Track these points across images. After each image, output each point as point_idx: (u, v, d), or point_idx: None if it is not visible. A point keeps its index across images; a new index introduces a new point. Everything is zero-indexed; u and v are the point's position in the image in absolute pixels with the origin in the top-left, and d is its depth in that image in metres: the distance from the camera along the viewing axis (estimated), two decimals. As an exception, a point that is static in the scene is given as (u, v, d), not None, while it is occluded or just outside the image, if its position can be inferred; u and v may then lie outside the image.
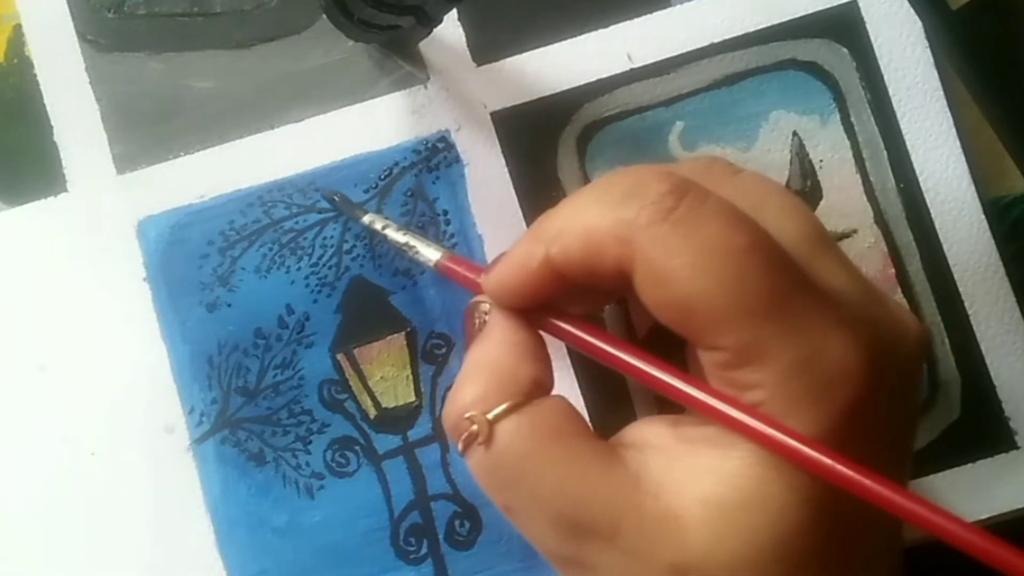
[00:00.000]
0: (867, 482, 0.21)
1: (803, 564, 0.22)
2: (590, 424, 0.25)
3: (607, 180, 0.24)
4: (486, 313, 0.26)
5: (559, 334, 0.25)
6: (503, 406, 0.24)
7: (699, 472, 0.23)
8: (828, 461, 0.21)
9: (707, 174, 0.25)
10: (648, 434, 0.25)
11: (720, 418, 0.22)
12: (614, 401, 0.32)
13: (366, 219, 0.30)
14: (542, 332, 0.26)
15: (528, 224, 0.32)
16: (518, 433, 0.24)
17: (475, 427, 0.24)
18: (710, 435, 0.23)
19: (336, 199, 0.32)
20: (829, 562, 0.22)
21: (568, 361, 0.31)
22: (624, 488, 0.23)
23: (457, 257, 0.28)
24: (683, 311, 0.22)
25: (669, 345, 0.26)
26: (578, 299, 0.26)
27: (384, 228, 0.30)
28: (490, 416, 0.24)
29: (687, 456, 0.23)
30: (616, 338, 0.25)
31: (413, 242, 0.29)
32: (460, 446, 0.25)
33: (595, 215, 0.23)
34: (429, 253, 0.28)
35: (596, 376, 0.32)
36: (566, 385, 0.31)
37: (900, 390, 0.24)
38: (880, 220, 0.33)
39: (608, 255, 0.23)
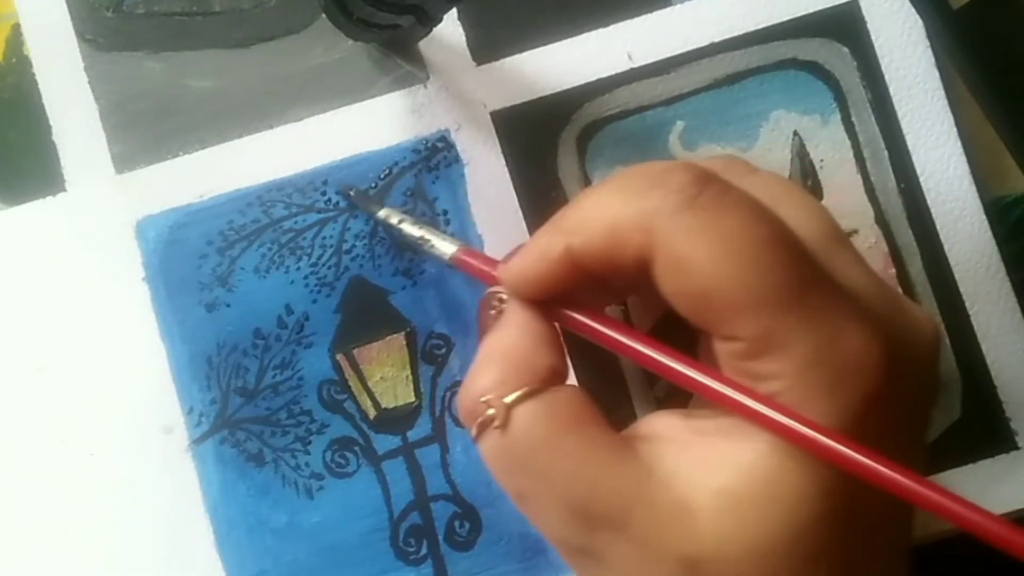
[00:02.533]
0: (891, 473, 0.21)
1: (816, 557, 0.22)
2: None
3: (628, 172, 0.24)
4: (502, 303, 0.26)
5: (575, 326, 0.25)
6: (520, 391, 0.24)
7: (713, 463, 0.23)
8: (851, 452, 0.21)
9: (724, 172, 0.25)
10: (661, 426, 0.25)
11: (739, 409, 0.22)
12: (612, 395, 0.32)
13: (382, 213, 0.30)
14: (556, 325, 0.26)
15: (528, 224, 0.32)
16: (535, 418, 0.24)
17: (491, 411, 0.24)
18: (724, 427, 0.23)
19: (352, 193, 0.32)
20: (841, 555, 0.22)
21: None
22: (637, 478, 0.23)
23: (472, 250, 0.28)
24: (702, 299, 0.22)
25: (671, 344, 0.25)
26: (587, 298, 0.26)
27: (400, 222, 0.30)
28: (507, 400, 0.24)
29: (701, 448, 0.23)
30: (633, 329, 0.25)
31: (428, 235, 0.29)
32: (474, 431, 0.25)
33: (617, 205, 0.23)
34: (444, 247, 0.28)
35: (593, 371, 0.32)
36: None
37: (914, 385, 0.24)
38: (881, 220, 0.32)
39: (630, 245, 0.23)
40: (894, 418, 0.23)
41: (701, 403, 0.27)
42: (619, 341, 0.25)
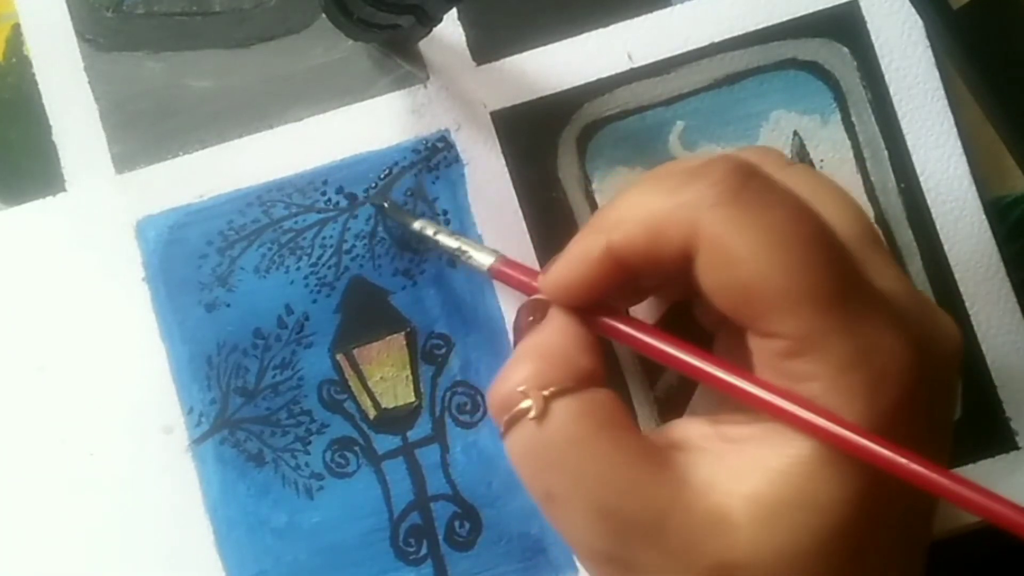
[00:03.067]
0: (939, 478, 0.21)
1: (848, 559, 0.22)
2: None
3: (666, 167, 0.24)
4: (542, 310, 0.26)
5: (613, 333, 0.25)
6: (559, 386, 0.24)
7: (747, 470, 0.22)
8: (903, 460, 0.21)
9: (760, 164, 0.25)
10: (690, 434, 0.24)
11: (782, 414, 0.22)
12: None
13: (417, 225, 0.31)
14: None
15: (528, 224, 0.32)
16: (572, 415, 0.23)
17: (528, 402, 0.23)
18: (755, 433, 0.23)
19: (386, 206, 0.32)
20: (871, 556, 0.22)
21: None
22: (671, 486, 0.23)
23: (511, 261, 0.28)
24: (744, 294, 0.22)
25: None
26: (622, 297, 0.26)
27: (436, 234, 0.30)
28: (546, 393, 0.23)
29: (733, 455, 0.23)
30: (673, 337, 0.24)
31: (465, 247, 0.29)
32: (506, 422, 0.24)
33: (658, 199, 0.23)
34: (482, 258, 0.28)
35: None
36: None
37: (941, 389, 0.24)
38: (881, 220, 0.32)
39: (672, 238, 0.23)
40: (922, 420, 0.23)
41: (706, 403, 0.27)
42: (661, 349, 0.24)
